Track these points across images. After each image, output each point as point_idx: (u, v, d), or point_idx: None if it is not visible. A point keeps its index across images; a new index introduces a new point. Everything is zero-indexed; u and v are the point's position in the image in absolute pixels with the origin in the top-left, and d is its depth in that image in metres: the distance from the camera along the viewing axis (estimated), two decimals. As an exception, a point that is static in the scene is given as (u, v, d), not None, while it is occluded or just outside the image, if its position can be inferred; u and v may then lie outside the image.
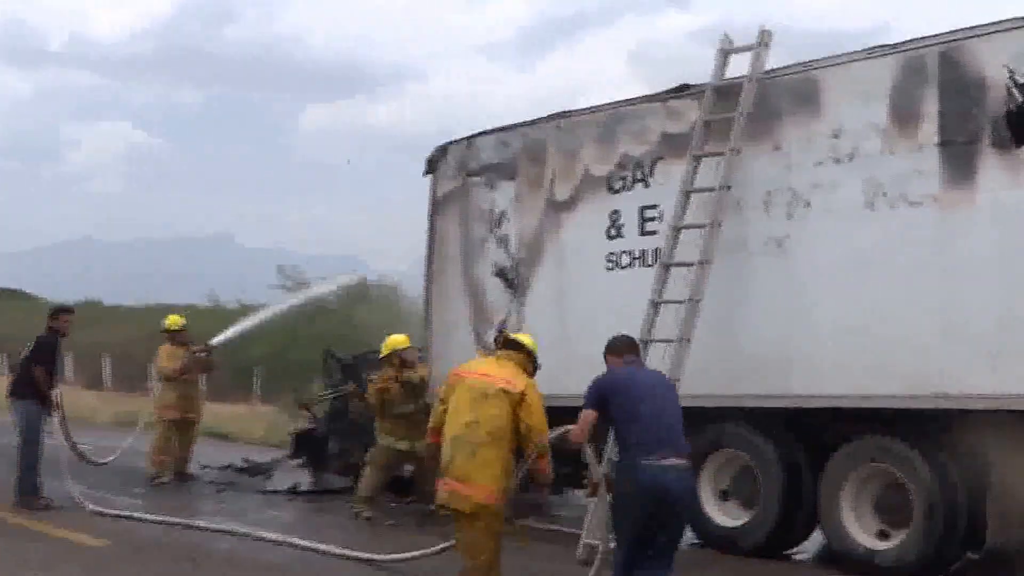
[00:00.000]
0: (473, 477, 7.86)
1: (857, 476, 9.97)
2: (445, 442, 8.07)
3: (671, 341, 10.29)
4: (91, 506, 12.38)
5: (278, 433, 23.12)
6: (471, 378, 8.22)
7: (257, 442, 22.02)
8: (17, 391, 12.90)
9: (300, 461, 15.43)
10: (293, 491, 14.44)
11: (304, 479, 14.78)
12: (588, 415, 7.75)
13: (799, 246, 10.24)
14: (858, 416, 9.91)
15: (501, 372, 8.19)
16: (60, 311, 13.61)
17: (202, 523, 11.68)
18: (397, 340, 13.13)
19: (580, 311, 11.94)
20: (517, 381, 8.10)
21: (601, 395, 7.77)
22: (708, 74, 11.12)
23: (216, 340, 17.20)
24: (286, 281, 40.43)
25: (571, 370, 11.81)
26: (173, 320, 16.39)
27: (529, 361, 8.44)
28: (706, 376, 10.41)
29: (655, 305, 10.67)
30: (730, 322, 10.62)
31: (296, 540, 10.59)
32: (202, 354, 16.36)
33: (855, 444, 9.98)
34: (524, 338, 8.71)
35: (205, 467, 16.30)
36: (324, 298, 24.08)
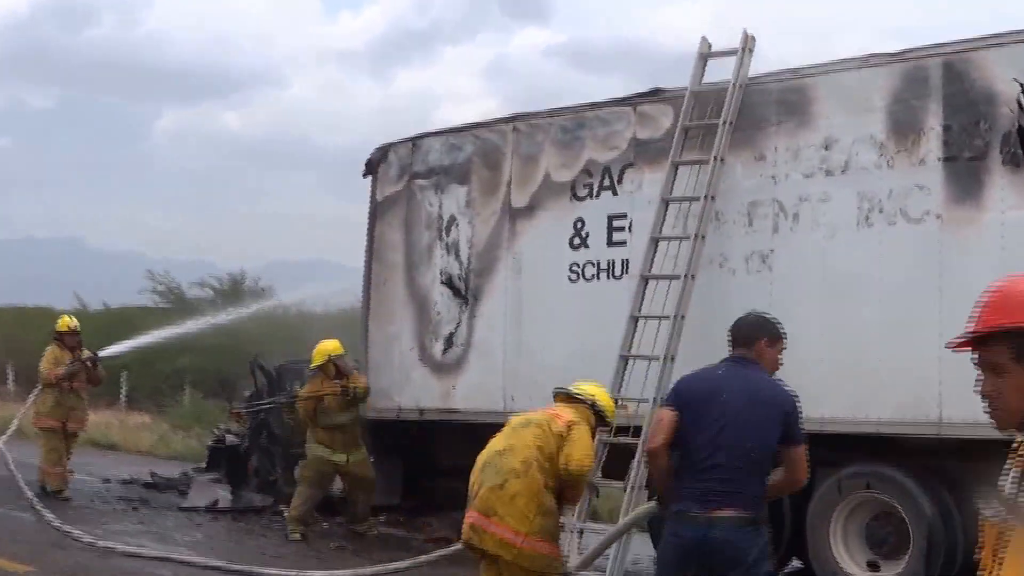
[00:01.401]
0: (499, 511, 6.54)
1: (847, 504, 9.52)
2: (475, 467, 6.86)
3: (655, 359, 9.72)
4: (101, 543, 10.75)
5: (169, 445, 22.11)
6: (522, 414, 7.16)
7: (147, 453, 20.94)
8: None
9: (214, 476, 14.51)
10: (212, 509, 13.50)
11: (222, 495, 13.85)
12: (662, 416, 6.20)
13: (785, 261, 9.76)
14: (847, 443, 9.43)
15: (555, 408, 7.02)
16: None
17: (186, 556, 10.48)
18: (329, 346, 12.41)
19: (538, 323, 11.33)
20: (567, 415, 6.83)
21: (679, 397, 6.23)
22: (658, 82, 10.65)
23: (107, 351, 15.96)
24: (156, 285, 39.47)
25: (525, 385, 11.28)
26: (63, 322, 15.09)
27: (593, 415, 7.00)
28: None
29: (635, 320, 10.09)
30: (708, 340, 10.06)
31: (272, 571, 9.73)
32: (88, 363, 14.89)
33: (845, 471, 9.51)
34: (603, 396, 7.25)
35: (107, 481, 15.20)
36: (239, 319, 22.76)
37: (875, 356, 9.20)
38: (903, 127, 9.19)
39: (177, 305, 38.88)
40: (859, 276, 9.37)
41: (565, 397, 7.09)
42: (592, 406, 7.00)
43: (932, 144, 9.05)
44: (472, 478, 6.81)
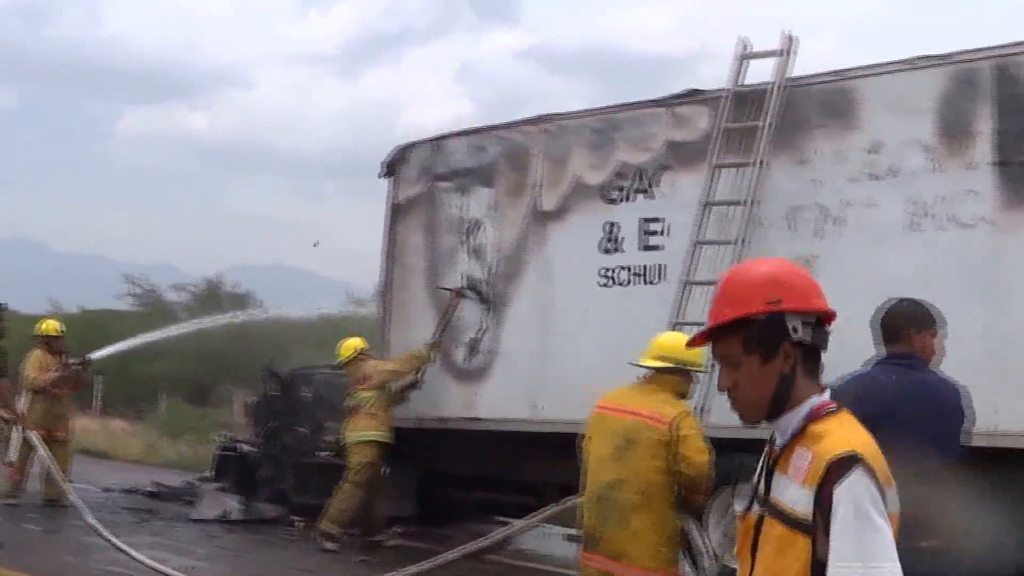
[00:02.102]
0: (628, 552, 6.12)
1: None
2: (586, 502, 6.35)
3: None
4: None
5: (159, 453, 21.76)
6: (611, 416, 6.39)
7: (138, 461, 20.59)
8: None
9: (220, 485, 14.19)
10: (223, 519, 13.17)
11: (232, 505, 13.52)
12: None
13: (829, 266, 9.56)
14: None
15: (645, 404, 6.29)
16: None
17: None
18: (357, 342, 12.29)
19: (568, 329, 11.08)
20: (664, 412, 6.21)
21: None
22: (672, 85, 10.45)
23: (97, 354, 15.54)
24: (134, 288, 39.12)
25: (552, 393, 11.05)
26: (49, 326, 14.61)
27: (683, 378, 6.44)
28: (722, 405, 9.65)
29: (674, 327, 9.86)
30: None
31: None
32: (77, 366, 14.49)
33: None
34: (666, 344, 6.51)
35: (108, 490, 14.83)
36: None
37: (925, 364, 9.00)
38: (952, 130, 9.01)
39: (155, 309, 38.63)
40: (907, 282, 9.12)
41: (647, 374, 6.45)
42: (677, 371, 6.36)
43: (984, 148, 8.86)
44: (586, 514, 6.35)
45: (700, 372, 6.61)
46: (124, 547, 9.24)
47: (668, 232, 10.52)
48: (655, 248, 10.60)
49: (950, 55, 9.20)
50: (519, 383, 11.37)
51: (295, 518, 13.15)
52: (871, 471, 2.61)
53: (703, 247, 10.03)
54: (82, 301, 41.63)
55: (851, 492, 2.57)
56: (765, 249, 9.85)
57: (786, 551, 2.64)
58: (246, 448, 14.28)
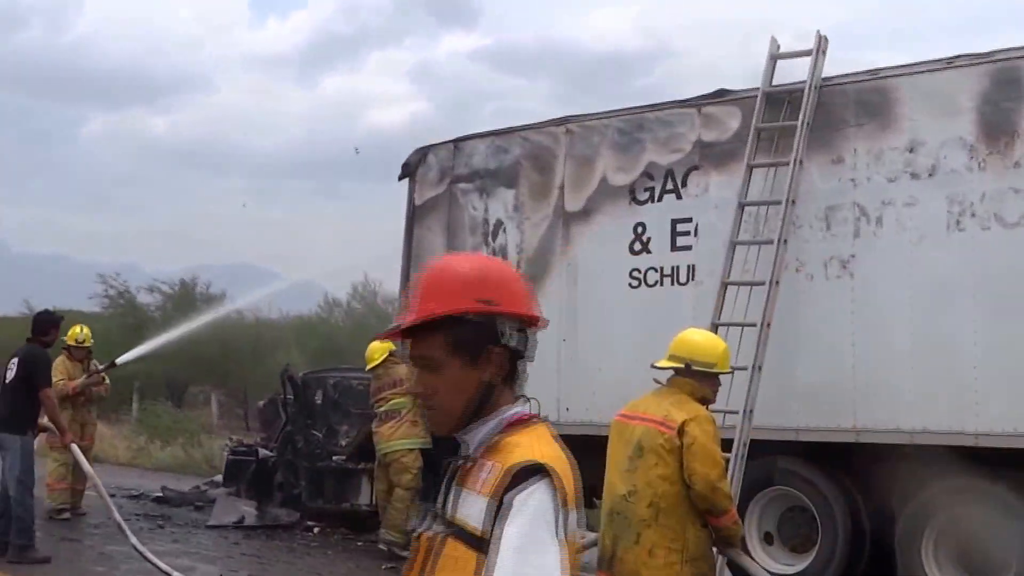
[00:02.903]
0: (643, 573, 5.61)
1: (937, 523, 9.19)
2: (602, 517, 5.89)
3: (742, 368, 9.40)
4: None
5: (151, 456, 21.50)
6: (626, 424, 5.92)
7: (130, 465, 20.33)
8: (11, 423, 10.67)
9: (230, 489, 14.01)
10: (240, 525, 12.99)
11: (246, 511, 13.33)
12: None
13: (868, 267, 9.51)
14: (942, 455, 9.11)
15: (659, 409, 5.80)
16: (55, 321, 11.64)
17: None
18: (388, 344, 12.07)
19: (596, 331, 10.97)
20: (673, 416, 5.69)
21: None
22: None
23: (123, 358, 15.27)
24: (108, 290, 38.74)
25: (583, 397, 10.94)
26: (75, 332, 14.40)
27: (704, 380, 5.93)
28: (758, 406, 9.57)
29: (715, 328, 9.78)
30: (784, 348, 9.80)
31: None
32: (104, 371, 14.13)
33: (939, 486, 9.18)
34: (681, 343, 6.06)
35: (112, 496, 14.57)
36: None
37: (970, 365, 8.95)
38: (995, 129, 8.98)
39: (128, 310, 38.25)
40: (950, 282, 9.13)
41: (667, 381, 6.00)
42: (688, 369, 5.89)
43: (1028, 146, 8.85)
44: (602, 530, 5.90)
45: (723, 373, 6.05)
46: (167, 569, 8.99)
47: (697, 233, 10.44)
48: (685, 248, 10.51)
49: (991, 53, 9.17)
50: (545, 386, 11.22)
51: (311, 523, 12.99)
52: (554, 486, 2.39)
53: (737, 247, 9.93)
54: (46, 302, 41.22)
55: (527, 502, 2.37)
56: (801, 249, 9.81)
57: (462, 574, 2.41)
58: (264, 452, 14.05)
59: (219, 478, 14.93)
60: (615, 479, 5.80)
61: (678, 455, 5.63)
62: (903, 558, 9.27)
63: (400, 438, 11.83)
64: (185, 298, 39.60)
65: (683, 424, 5.67)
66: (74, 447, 11.26)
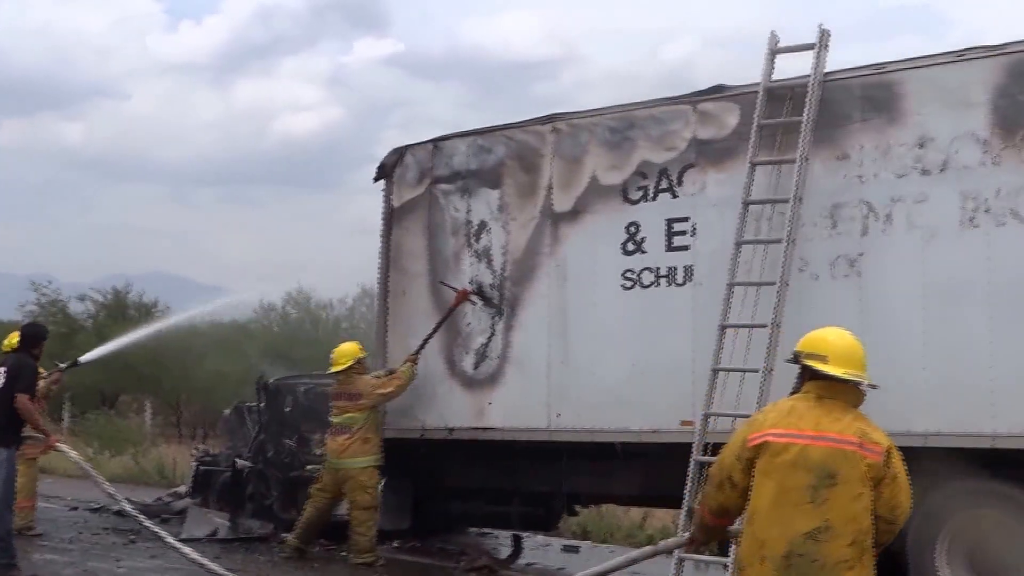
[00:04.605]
0: None
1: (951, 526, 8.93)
2: (763, 565, 4.85)
3: (753, 371, 9.12)
4: None
5: (100, 466, 20.73)
6: (796, 445, 4.86)
7: (78, 476, 19.49)
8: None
9: (197, 500, 13.49)
10: (213, 538, 12.46)
11: (218, 523, 12.80)
12: None
13: (877, 265, 9.25)
14: (955, 458, 8.84)
15: (844, 427, 4.87)
16: (42, 333, 11.17)
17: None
18: (355, 349, 11.74)
19: (588, 333, 10.64)
20: (875, 438, 4.88)
21: None
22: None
23: (86, 357, 14.68)
24: (40, 298, 38.16)
25: (574, 400, 10.63)
26: (12, 340, 13.69)
27: (859, 393, 5.03)
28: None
29: (723, 329, 9.49)
30: (789, 350, 9.48)
31: None
32: (64, 370, 13.58)
33: (953, 489, 8.89)
34: (850, 347, 5.07)
35: (74, 508, 13.97)
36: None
37: (985, 366, 8.72)
38: (1010, 123, 8.76)
39: (62, 320, 37.55)
40: (964, 280, 8.89)
41: (824, 385, 4.97)
42: (847, 381, 4.97)
43: (1044, 140, 8.64)
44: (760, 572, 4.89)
45: (873, 387, 5.10)
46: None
47: (695, 232, 10.14)
48: (681, 248, 10.21)
49: (1002, 46, 8.95)
50: (535, 390, 10.89)
51: (285, 535, 12.49)
52: None
53: (742, 246, 9.64)
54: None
55: None
56: (804, 248, 9.54)
57: None
58: (240, 462, 13.49)
59: (183, 489, 14.38)
60: (790, 514, 4.81)
61: (872, 485, 4.84)
62: (916, 561, 9.02)
63: (353, 456, 11.45)
64: (118, 307, 39.11)
65: (889, 450, 4.90)
66: (62, 447, 10.82)
